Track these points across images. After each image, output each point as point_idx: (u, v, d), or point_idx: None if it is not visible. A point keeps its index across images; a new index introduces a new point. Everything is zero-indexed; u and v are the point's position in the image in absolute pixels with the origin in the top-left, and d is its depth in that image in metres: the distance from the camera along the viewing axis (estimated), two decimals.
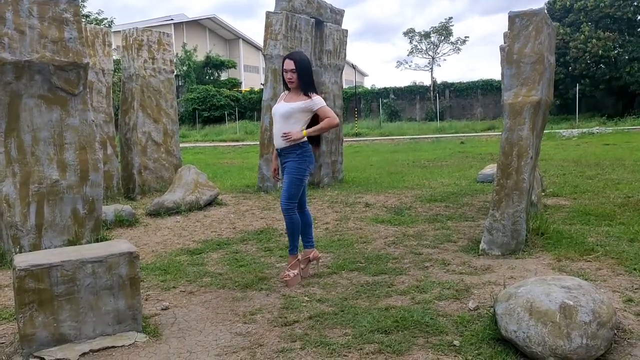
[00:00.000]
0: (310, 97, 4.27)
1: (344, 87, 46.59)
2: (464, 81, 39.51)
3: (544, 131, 5.99)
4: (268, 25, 8.73)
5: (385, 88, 42.01)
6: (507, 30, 5.15)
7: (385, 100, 40.17)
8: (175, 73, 40.88)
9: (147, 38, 9.01)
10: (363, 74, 71.02)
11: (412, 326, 3.30)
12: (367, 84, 62.60)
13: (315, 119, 4.34)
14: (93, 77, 8.35)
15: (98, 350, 3.19)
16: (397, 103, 40.53)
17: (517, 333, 2.85)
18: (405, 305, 3.69)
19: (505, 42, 6.86)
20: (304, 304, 3.82)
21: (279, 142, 4.33)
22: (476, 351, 2.94)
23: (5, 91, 5.28)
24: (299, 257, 4.42)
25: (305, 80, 4.27)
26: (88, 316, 3.25)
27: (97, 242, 5.79)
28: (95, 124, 8.38)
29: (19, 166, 5.36)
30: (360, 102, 41.73)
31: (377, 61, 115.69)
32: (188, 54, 46.01)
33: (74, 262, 3.19)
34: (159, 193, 8.50)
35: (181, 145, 28.35)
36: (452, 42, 42.97)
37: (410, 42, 44.02)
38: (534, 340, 2.77)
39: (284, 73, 4.31)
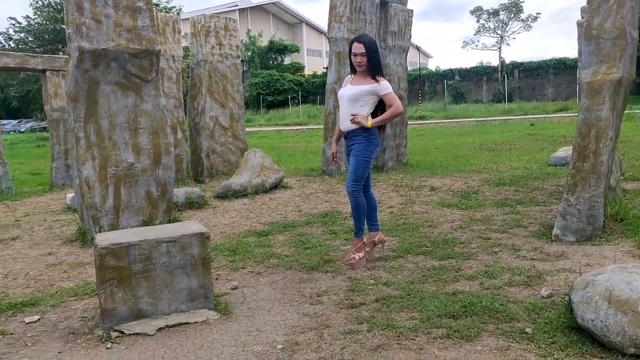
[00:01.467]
0: (378, 81, 4.23)
1: (408, 68, 45.82)
2: (535, 60, 37.89)
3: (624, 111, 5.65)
4: (332, 8, 8.68)
5: (450, 69, 40.98)
6: (584, 4, 4.88)
7: (450, 82, 39.20)
8: (240, 58, 41.67)
9: (214, 24, 9.19)
10: (428, 56, 69.55)
11: (481, 312, 3.24)
12: (432, 65, 61.32)
13: (382, 102, 4.31)
14: (164, 63, 8.62)
15: (173, 325, 3.32)
16: (462, 85, 39.46)
17: (595, 322, 2.73)
18: (474, 290, 3.62)
19: (583, 17, 6.51)
20: (370, 287, 3.82)
21: (346, 125, 4.30)
22: (550, 339, 2.84)
23: (84, 78, 5.54)
24: (364, 240, 4.40)
25: (374, 64, 4.22)
26: (163, 293, 3.39)
27: (170, 222, 6.05)
28: (166, 109, 8.69)
29: (97, 150, 5.63)
30: (424, 84, 40.95)
31: (443, 41, 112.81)
32: (252, 39, 46.63)
33: (150, 242, 3.33)
34: (226, 176, 8.71)
35: (246, 129, 28.95)
36: (522, 20, 41.32)
37: (478, 21, 42.69)
38: (612, 329, 2.65)
39: (353, 56, 4.26)
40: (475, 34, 60.61)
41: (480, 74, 39.57)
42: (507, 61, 39.53)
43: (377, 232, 4.53)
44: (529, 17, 41.09)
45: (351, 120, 4.20)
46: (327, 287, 3.89)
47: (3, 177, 9.69)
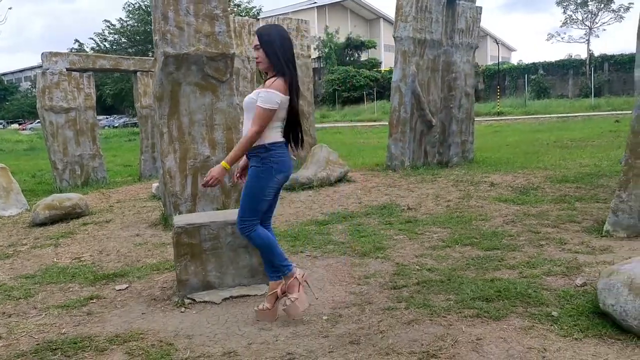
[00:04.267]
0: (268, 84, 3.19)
1: (488, 63, 44.45)
2: (627, 53, 35.80)
3: None
4: (399, 8, 8.95)
5: (533, 63, 39.61)
6: None
7: (533, 77, 37.89)
8: (317, 55, 41.93)
9: (286, 26, 9.71)
10: (510, 49, 67.31)
11: (513, 297, 3.49)
12: (515, 59, 59.32)
13: (291, 113, 3.32)
14: (239, 64, 9.26)
15: (236, 297, 3.82)
16: (546, 79, 38.03)
17: (615, 307, 2.93)
18: (512, 278, 3.86)
19: None
20: (414, 272, 4.15)
21: None
22: (573, 322, 3.06)
23: (168, 80, 6.20)
24: (278, 289, 3.39)
25: (272, 57, 3.18)
26: (228, 269, 3.90)
27: None
28: (241, 107, 9.34)
29: (178, 144, 6.29)
30: (505, 79, 39.85)
31: (531, 34, 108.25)
32: (330, 36, 47.25)
33: (218, 223, 3.85)
34: (295, 170, 9.22)
35: (321, 125, 29.39)
36: (612, 10, 39.16)
37: (564, 12, 40.89)
38: (630, 314, 2.85)
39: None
40: (561, 26, 57.97)
41: (566, 67, 38.00)
42: (596, 54, 37.63)
43: (279, 281, 3.40)
44: (621, 7, 38.91)
45: (204, 181, 3.23)
46: (375, 271, 4.26)
47: (99, 168, 10.76)
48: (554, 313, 3.20)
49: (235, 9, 30.14)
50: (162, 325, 3.42)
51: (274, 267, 3.38)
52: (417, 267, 4.28)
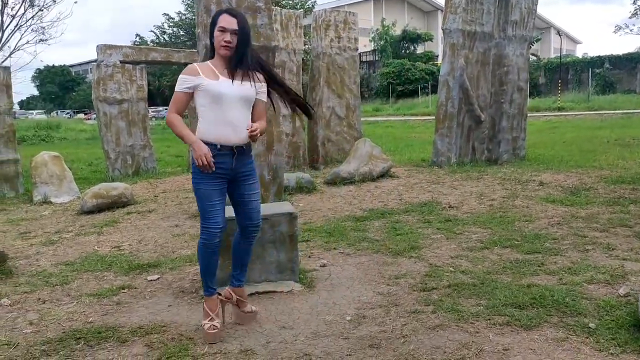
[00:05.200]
0: (250, 78, 3.03)
1: (551, 56, 42.72)
2: None
3: None
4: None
5: (599, 56, 37.73)
6: None
7: (598, 71, 36.11)
8: (372, 48, 41.57)
9: (334, 18, 9.62)
10: (575, 42, 64.55)
11: (549, 305, 3.29)
12: (579, 52, 56.84)
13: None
14: (285, 57, 9.25)
15: (262, 293, 3.79)
16: (612, 73, 36.15)
17: None
18: (549, 284, 3.64)
19: None
20: (447, 274, 3.99)
21: (239, 136, 3.01)
22: (610, 335, 2.85)
23: None
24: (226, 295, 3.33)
25: (244, 50, 3.00)
26: (255, 264, 3.86)
27: (285, 202, 6.62)
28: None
29: None
30: (568, 73, 38.19)
31: (595, 26, 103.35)
32: (386, 28, 46.70)
33: None
34: (339, 163, 9.14)
35: (373, 118, 29.13)
36: None
37: (634, 2, 38.67)
38: None
39: (219, 33, 2.97)
40: (630, 17, 54.96)
41: (635, 61, 36.01)
42: None
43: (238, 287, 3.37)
44: None
45: (251, 132, 2.97)
46: (407, 271, 4.13)
47: (149, 158, 11.04)
48: (591, 324, 2.99)
49: (289, 2, 30.23)
50: (186, 318, 3.43)
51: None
52: (451, 268, 4.12)
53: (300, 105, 3.37)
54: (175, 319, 3.42)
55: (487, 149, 9.28)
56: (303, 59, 11.27)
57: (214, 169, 2.97)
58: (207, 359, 2.87)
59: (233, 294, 3.34)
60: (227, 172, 3.07)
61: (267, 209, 4.03)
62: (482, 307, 3.33)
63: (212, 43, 3.08)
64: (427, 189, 7.20)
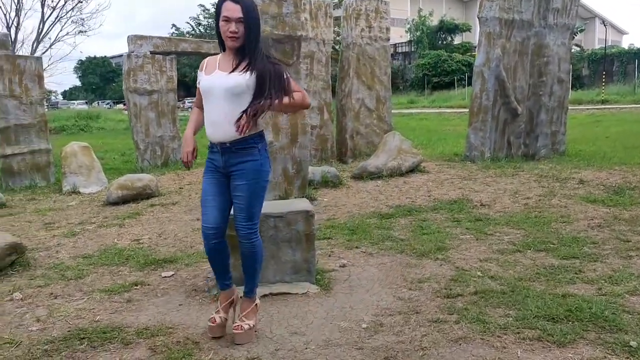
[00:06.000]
0: (250, 67, 2.77)
1: (595, 46, 41.30)
2: None
3: None
4: None
5: None
6: None
7: None
8: (407, 39, 40.78)
9: (365, 7, 9.33)
10: (621, 32, 62.13)
11: (586, 318, 3.00)
12: (625, 43, 54.68)
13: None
14: (315, 47, 9.01)
15: (276, 294, 3.61)
16: None
17: None
18: (587, 295, 3.34)
19: None
20: (474, 279, 3.73)
21: (225, 132, 2.80)
22: None
23: None
24: (257, 301, 3.13)
25: (253, 37, 2.78)
26: (270, 263, 3.68)
27: (303, 199, 6.42)
28: (314, 91, 9.11)
29: None
30: (612, 65, 36.70)
31: None
32: (422, 19, 45.86)
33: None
34: (367, 157, 8.88)
35: (408, 111, 28.63)
36: None
37: None
38: None
39: (224, 23, 2.76)
40: None
41: None
42: None
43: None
44: None
45: (239, 126, 2.73)
46: (431, 274, 3.88)
47: (178, 149, 10.98)
48: (632, 343, 2.70)
49: None
50: (195, 320, 3.28)
51: (255, 283, 3.08)
52: (479, 273, 3.85)
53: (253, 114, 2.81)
54: (184, 320, 3.27)
55: (523, 143, 8.86)
56: (335, 48, 11.04)
57: (188, 167, 3.00)
58: None
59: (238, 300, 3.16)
60: (219, 169, 2.91)
61: (283, 206, 3.84)
62: (511, 319, 3.06)
63: (219, 36, 2.85)
64: (458, 186, 6.88)
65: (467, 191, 6.54)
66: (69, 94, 68.84)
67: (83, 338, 3.04)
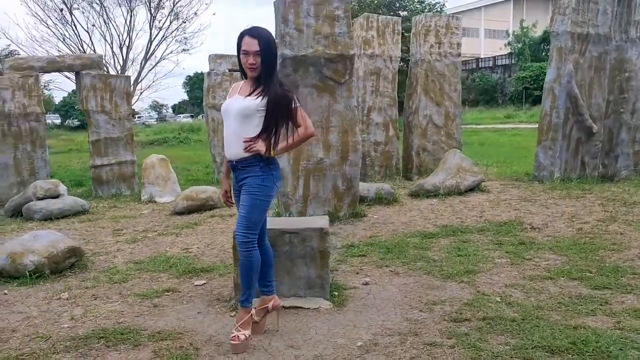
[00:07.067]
0: (263, 93, 3.10)
1: None
2: None
3: None
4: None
5: None
6: None
7: None
8: (508, 51, 39.24)
9: (434, 23, 9.27)
10: None
11: (588, 352, 2.84)
12: None
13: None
14: (381, 63, 9.10)
15: (288, 307, 3.73)
16: None
17: None
18: (601, 328, 3.15)
19: None
20: (490, 304, 3.63)
21: (235, 151, 3.15)
22: None
23: (286, 82, 6.31)
24: (253, 310, 3.29)
25: (268, 68, 3.11)
26: (284, 278, 3.82)
27: (353, 215, 6.51)
28: (380, 107, 9.16)
29: None
30: None
31: None
32: (525, 30, 44.12)
33: (275, 231, 3.78)
34: None
35: (502, 126, 27.48)
36: None
37: None
38: None
39: (243, 55, 3.10)
40: None
41: None
42: None
43: (272, 296, 3.43)
44: None
45: (246, 147, 3.09)
46: (449, 297, 3.82)
47: None
48: None
49: (417, 6, 29.78)
50: (205, 327, 3.48)
51: (251, 294, 3.27)
52: (498, 298, 3.74)
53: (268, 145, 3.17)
54: (196, 327, 3.49)
55: (602, 164, 8.32)
56: (406, 62, 11.02)
57: (228, 205, 3.50)
58: None
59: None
60: (237, 184, 3.27)
61: (300, 223, 3.97)
62: (508, 347, 2.97)
63: (240, 65, 3.20)
64: (514, 207, 6.63)
65: (522, 213, 6.29)
66: (178, 108, 73.57)
67: (102, 337, 3.34)
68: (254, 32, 3.09)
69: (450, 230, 5.73)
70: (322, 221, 3.97)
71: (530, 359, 2.82)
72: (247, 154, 3.12)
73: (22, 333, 3.47)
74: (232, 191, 3.40)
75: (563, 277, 4.11)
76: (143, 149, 20.79)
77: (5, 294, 4.28)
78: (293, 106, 3.18)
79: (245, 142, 3.09)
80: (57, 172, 12.92)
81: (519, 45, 44.27)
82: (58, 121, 41.54)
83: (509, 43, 44.99)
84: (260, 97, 3.09)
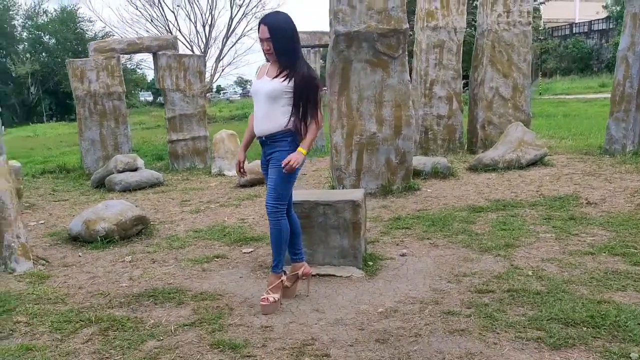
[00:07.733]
0: (289, 76, 3.30)
1: None
2: None
3: None
4: None
5: None
6: None
7: None
8: (605, 15, 36.39)
9: None
10: None
11: (604, 326, 2.84)
12: None
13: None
14: (445, 36, 8.95)
15: (322, 275, 3.95)
16: None
17: None
18: (626, 303, 3.11)
19: None
20: (519, 277, 3.65)
21: (264, 126, 3.39)
22: None
23: (339, 58, 6.44)
24: (283, 276, 3.55)
25: (281, 51, 3.29)
26: (319, 247, 4.04)
27: (406, 188, 6.58)
28: (443, 81, 9.05)
29: (346, 120, 6.52)
30: None
31: None
32: None
33: (310, 203, 4.00)
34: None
35: (593, 95, 25.93)
36: None
37: None
38: None
39: (260, 42, 3.36)
40: None
41: None
42: None
43: (302, 263, 3.64)
44: None
45: (285, 166, 3.28)
46: (481, 269, 3.87)
47: (319, 137, 11.71)
48: (633, 354, 2.54)
49: None
50: (244, 291, 3.77)
51: (281, 260, 3.52)
52: (530, 272, 3.75)
53: (302, 125, 3.40)
54: (235, 290, 3.79)
55: None
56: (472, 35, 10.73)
57: (240, 176, 4.01)
58: (230, 329, 3.16)
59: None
60: (265, 157, 3.52)
61: (334, 195, 4.15)
62: (523, 318, 3.02)
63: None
64: (575, 181, 6.40)
65: (582, 188, 6.07)
66: None
67: (151, 296, 3.73)
68: (265, 19, 3.31)
69: (502, 204, 5.67)
70: (356, 194, 4.13)
71: (542, 330, 2.86)
72: (275, 130, 3.36)
73: (87, 290, 3.93)
74: (260, 165, 3.69)
75: (605, 252, 4.02)
76: (224, 123, 21.66)
77: (79, 256, 4.82)
78: (318, 95, 3.41)
79: (283, 166, 3.28)
80: (142, 147, 13.84)
81: (618, 8, 41.09)
82: (150, 98, 43.90)
83: (606, 6, 41.83)
84: (287, 80, 3.30)
